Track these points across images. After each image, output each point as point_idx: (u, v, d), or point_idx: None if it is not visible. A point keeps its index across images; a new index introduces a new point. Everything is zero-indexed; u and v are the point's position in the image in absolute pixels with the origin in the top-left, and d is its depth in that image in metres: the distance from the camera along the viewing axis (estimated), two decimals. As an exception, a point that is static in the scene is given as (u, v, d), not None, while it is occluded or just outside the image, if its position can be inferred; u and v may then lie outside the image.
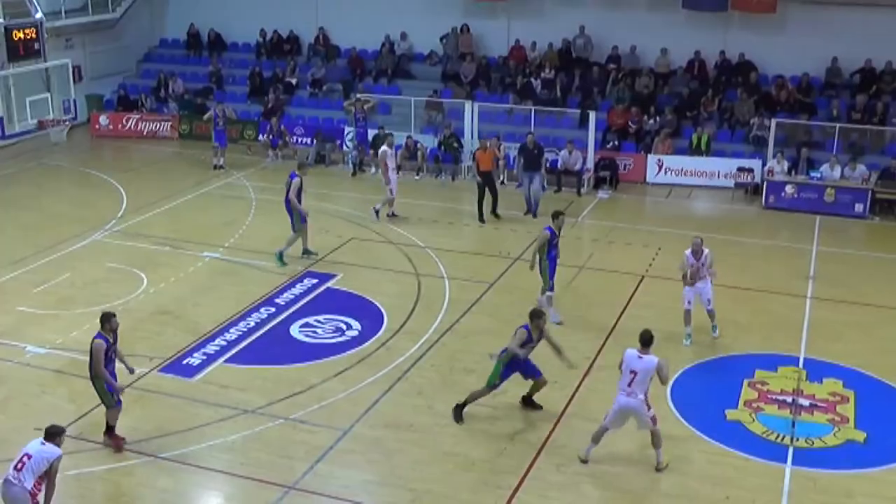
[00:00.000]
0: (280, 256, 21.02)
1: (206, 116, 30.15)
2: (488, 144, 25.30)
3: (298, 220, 21.02)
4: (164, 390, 15.54)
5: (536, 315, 14.60)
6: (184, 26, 36.88)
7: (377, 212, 24.17)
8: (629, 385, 13.11)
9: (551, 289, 18.40)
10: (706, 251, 17.67)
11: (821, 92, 29.41)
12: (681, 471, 13.41)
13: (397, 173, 24.89)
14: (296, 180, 21.11)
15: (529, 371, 14.81)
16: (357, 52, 34.11)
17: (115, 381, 13.57)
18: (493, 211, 24.62)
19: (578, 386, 15.73)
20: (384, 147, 24.61)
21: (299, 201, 21.05)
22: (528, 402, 15.05)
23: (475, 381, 15.69)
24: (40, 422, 14.17)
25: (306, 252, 21.38)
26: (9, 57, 26.43)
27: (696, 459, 13.72)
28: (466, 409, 14.69)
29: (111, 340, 13.54)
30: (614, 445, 13.93)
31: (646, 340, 13.25)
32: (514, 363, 14.61)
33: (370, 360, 16.57)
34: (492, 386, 14.68)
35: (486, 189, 24.58)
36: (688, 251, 17.74)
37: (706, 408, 15.08)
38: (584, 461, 13.50)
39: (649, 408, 13.19)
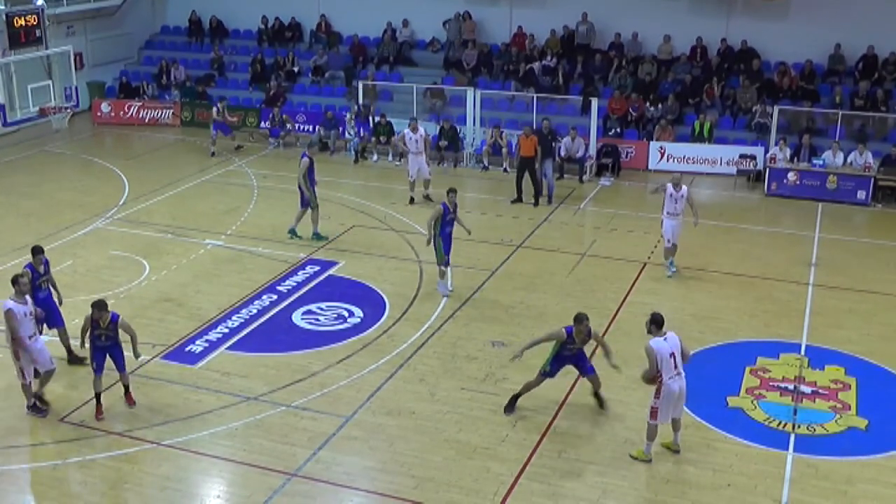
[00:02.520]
0: (313, 235, 21.66)
1: (213, 110, 30.01)
2: (530, 131, 25.25)
3: (313, 198, 21.45)
4: (167, 377, 15.56)
5: (579, 320, 14.13)
6: (185, 13, 36.85)
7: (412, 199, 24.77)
8: (675, 368, 13.01)
9: (445, 264, 18.79)
10: (685, 187, 19.57)
11: (823, 79, 29.36)
12: (682, 458, 13.42)
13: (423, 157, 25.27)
14: (304, 160, 21.32)
15: (581, 367, 14.65)
16: (359, 39, 34.08)
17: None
18: (535, 201, 24.72)
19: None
20: (406, 130, 25.25)
21: (308, 182, 21.28)
22: (596, 397, 14.85)
23: (477, 369, 15.76)
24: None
25: (291, 231, 21.76)
26: (10, 44, 26.37)
27: (697, 446, 13.71)
28: (519, 400, 14.66)
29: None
30: (613, 433, 13.97)
31: (659, 322, 13.15)
32: (561, 357, 14.43)
33: (372, 348, 16.58)
34: (544, 374, 14.53)
35: (526, 175, 24.78)
36: (670, 183, 19.60)
37: (708, 395, 15.05)
38: (648, 460, 13.34)
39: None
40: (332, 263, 20.33)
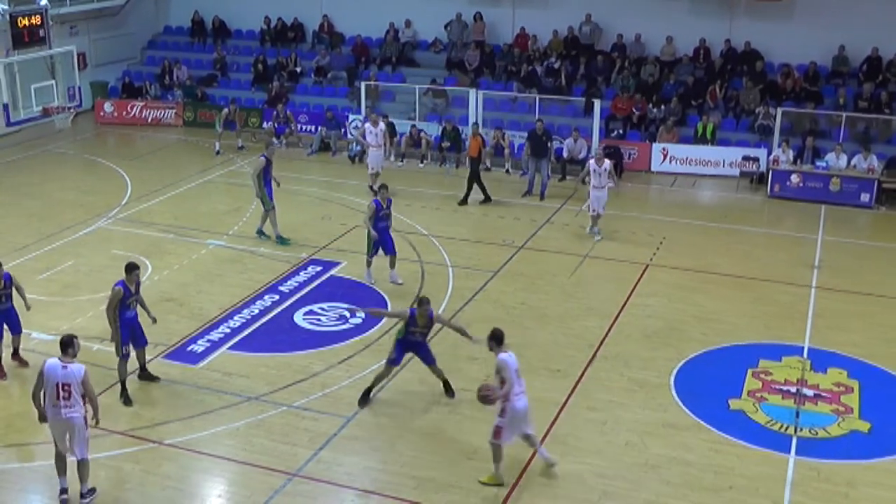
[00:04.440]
0: (279, 239, 21.58)
1: (224, 112, 29.98)
2: (476, 131, 25.49)
3: (265, 199, 21.48)
4: (169, 377, 15.55)
5: (131, 267, 14.69)
6: (188, 13, 36.85)
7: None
8: (520, 385, 12.66)
9: (371, 255, 19.46)
10: (607, 162, 22.06)
11: (827, 80, 29.33)
12: (683, 460, 13.40)
13: (386, 154, 26.11)
14: (260, 160, 21.46)
15: (423, 356, 14.94)
16: (361, 40, 34.04)
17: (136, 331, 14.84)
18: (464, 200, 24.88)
19: (581, 375, 15.72)
20: (367, 124, 25.84)
21: (261, 182, 21.31)
22: (445, 386, 15.07)
23: (478, 369, 15.72)
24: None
25: (259, 231, 21.88)
26: (14, 44, 26.38)
27: (698, 448, 13.69)
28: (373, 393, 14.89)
29: (132, 290, 14.64)
30: (613, 435, 13.95)
31: (499, 338, 12.79)
32: (405, 343, 14.77)
33: (374, 348, 16.56)
34: (390, 362, 14.80)
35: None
36: (592, 161, 22.20)
37: (709, 397, 15.05)
38: (501, 483, 12.84)
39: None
40: (334, 264, 20.32)
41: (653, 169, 28.05)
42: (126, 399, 14.73)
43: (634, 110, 29.26)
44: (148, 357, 15.69)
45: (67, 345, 11.85)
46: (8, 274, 15.54)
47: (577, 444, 13.75)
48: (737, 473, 13.13)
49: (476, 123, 26.51)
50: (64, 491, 12.19)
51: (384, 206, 19.28)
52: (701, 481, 12.94)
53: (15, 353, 16.08)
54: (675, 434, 13.99)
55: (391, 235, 19.57)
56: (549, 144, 25.61)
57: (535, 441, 13.19)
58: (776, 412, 14.70)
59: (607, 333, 17.26)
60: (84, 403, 11.83)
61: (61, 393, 11.66)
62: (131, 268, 14.76)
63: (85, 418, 11.85)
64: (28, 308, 15.92)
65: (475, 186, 24.77)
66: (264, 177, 21.37)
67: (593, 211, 22.15)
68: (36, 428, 13.96)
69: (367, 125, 25.67)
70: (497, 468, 12.79)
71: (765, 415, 14.63)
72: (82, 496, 12.19)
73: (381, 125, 25.53)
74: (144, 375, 15.43)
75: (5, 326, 15.65)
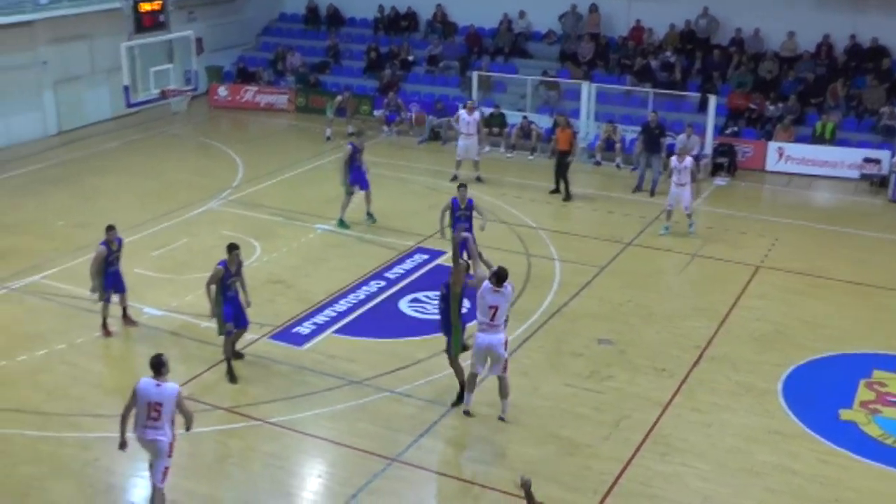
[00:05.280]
0: (339, 223, 21.81)
1: (337, 99, 30.30)
2: (565, 123, 25.12)
3: (346, 185, 21.69)
4: (274, 357, 15.77)
5: (231, 247, 15.07)
6: (303, 1, 37.28)
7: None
8: (490, 320, 13.41)
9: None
10: (689, 159, 21.61)
11: (959, 80, 28.20)
12: (789, 468, 13.05)
13: (480, 145, 25.74)
14: (347, 147, 21.72)
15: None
16: (475, 30, 33.98)
17: (238, 310, 15.21)
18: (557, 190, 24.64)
19: (686, 376, 15.44)
20: (462, 111, 25.70)
21: (347, 169, 21.52)
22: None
23: (582, 365, 15.60)
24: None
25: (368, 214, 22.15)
26: (136, 28, 27.07)
27: (805, 458, 13.31)
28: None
29: (233, 271, 15.05)
30: (717, 439, 13.67)
31: (502, 277, 13.49)
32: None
33: (477, 338, 16.53)
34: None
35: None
36: (674, 158, 21.99)
37: (818, 405, 14.61)
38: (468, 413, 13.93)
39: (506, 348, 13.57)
40: (440, 252, 20.33)
41: (767, 168, 27.35)
42: (231, 377, 14.98)
43: (751, 106, 28.59)
44: (254, 336, 15.97)
45: (160, 365, 11.33)
46: (120, 238, 16.56)
47: (679, 445, 13.51)
48: (844, 486, 12.73)
49: (563, 114, 26.27)
50: None
51: (461, 206, 18.77)
52: (806, 492, 12.58)
53: (124, 314, 16.85)
54: (782, 442, 13.63)
55: (469, 236, 17.37)
56: (661, 139, 25.23)
57: (502, 391, 13.85)
58: (891, 426, 14.16)
59: (714, 334, 16.92)
60: (172, 428, 11.33)
61: (151, 413, 11.19)
62: (232, 247, 15.11)
63: (170, 445, 11.32)
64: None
65: (566, 178, 24.38)
66: (351, 164, 21.54)
67: (668, 205, 21.84)
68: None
69: (462, 112, 25.58)
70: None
71: (878, 427, 14.12)
72: None
73: (476, 114, 25.29)
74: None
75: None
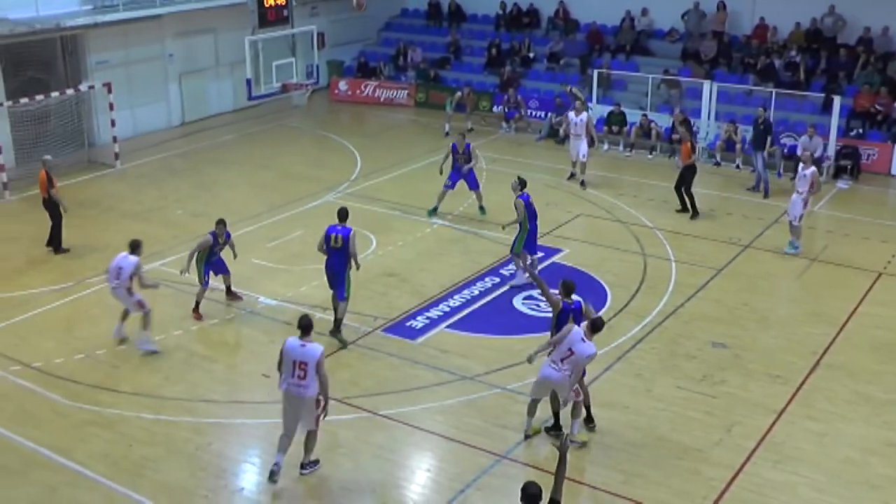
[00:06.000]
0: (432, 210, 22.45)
1: (456, 95, 30.57)
2: (687, 135, 23.88)
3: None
4: (386, 350, 16.01)
5: (219, 222, 17.09)
6: (426, -3, 37.60)
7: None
8: (562, 360, 12.80)
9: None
10: (812, 169, 20.32)
11: None
12: (908, 481, 12.74)
13: (592, 144, 25.55)
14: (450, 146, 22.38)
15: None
16: (596, 27, 33.79)
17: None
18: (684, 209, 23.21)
19: (802, 383, 15.15)
20: (570, 112, 25.49)
21: (447, 162, 22.36)
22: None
23: (695, 368, 15.47)
24: (267, 368, 15.01)
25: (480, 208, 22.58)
26: (259, 23, 27.76)
27: (926, 470, 12.98)
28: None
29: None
30: (833, 448, 13.39)
31: (597, 327, 12.94)
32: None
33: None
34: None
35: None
36: (571, 112, 24.29)
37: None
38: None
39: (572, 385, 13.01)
40: (556, 250, 20.34)
41: (893, 172, 26.54)
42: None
43: (878, 107, 27.78)
44: (367, 329, 16.30)
45: (308, 327, 12.10)
46: (229, 233, 17.50)
47: (793, 454, 13.28)
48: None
49: (686, 120, 26.05)
50: (277, 465, 12.37)
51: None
52: (927, 505, 12.27)
53: (228, 291, 17.90)
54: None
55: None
56: (767, 136, 24.63)
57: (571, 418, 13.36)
58: None
59: (832, 342, 16.55)
60: (318, 385, 12.07)
61: (297, 371, 11.98)
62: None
63: (317, 401, 12.17)
64: (235, 257, 17.79)
65: (689, 193, 22.96)
66: (452, 163, 22.23)
67: (792, 218, 20.47)
68: (258, 388, 14.75)
69: (571, 113, 25.40)
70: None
71: None
72: (303, 466, 12.60)
73: (584, 115, 24.94)
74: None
75: (211, 273, 17.41)
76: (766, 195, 24.31)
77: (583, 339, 12.79)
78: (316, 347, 12.06)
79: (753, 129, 25.06)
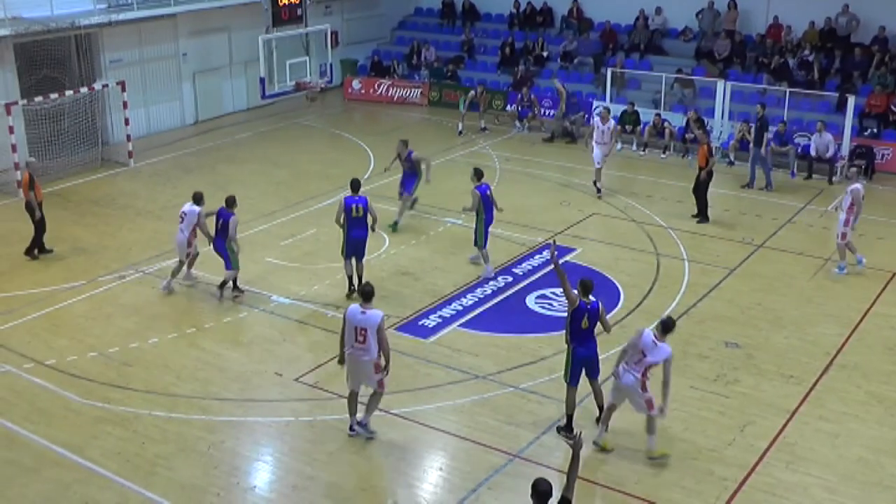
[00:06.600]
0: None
1: (470, 94, 30.60)
2: (704, 138, 23.46)
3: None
4: (399, 348, 15.95)
5: (196, 199, 17.95)
6: (440, -4, 37.62)
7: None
8: (636, 364, 12.73)
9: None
10: (612, 121, 23.01)
11: None
12: (922, 482, 12.69)
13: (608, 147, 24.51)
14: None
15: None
16: (610, 26, 33.75)
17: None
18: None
19: (815, 383, 15.10)
20: (596, 119, 24.94)
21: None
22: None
23: (708, 368, 15.44)
24: (280, 367, 15.06)
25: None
26: (273, 21, 27.80)
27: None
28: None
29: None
30: (845, 449, 13.34)
31: (669, 326, 12.83)
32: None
33: (603, 337, 16.31)
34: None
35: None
36: (597, 118, 23.86)
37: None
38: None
39: (645, 390, 12.77)
40: (569, 250, 20.31)
41: (907, 172, 26.47)
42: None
43: (892, 107, 27.65)
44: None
45: (369, 294, 12.88)
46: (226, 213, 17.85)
47: (805, 454, 13.24)
48: None
49: (700, 119, 25.78)
50: (351, 427, 13.35)
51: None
52: (940, 507, 12.22)
53: (234, 286, 17.99)
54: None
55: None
56: (763, 133, 24.53)
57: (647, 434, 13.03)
58: None
59: (846, 342, 16.50)
60: (378, 349, 12.77)
61: (358, 337, 12.69)
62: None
63: (377, 364, 12.85)
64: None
65: (703, 197, 22.63)
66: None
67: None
68: (271, 386, 14.78)
69: (597, 120, 25.01)
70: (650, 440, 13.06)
71: None
72: (359, 423, 13.37)
73: (611, 122, 24.75)
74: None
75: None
76: (768, 187, 24.60)
77: (654, 342, 12.66)
78: (376, 314, 12.73)
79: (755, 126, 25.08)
